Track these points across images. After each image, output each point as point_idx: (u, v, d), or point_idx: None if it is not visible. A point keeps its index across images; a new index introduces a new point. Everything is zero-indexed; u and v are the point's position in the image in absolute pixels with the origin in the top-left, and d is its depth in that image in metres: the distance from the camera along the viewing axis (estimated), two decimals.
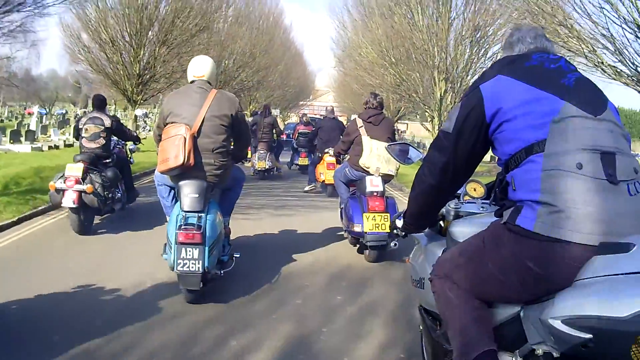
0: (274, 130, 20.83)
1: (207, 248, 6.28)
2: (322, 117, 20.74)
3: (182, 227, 6.27)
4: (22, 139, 28.40)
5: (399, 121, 49.63)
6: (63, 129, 38.73)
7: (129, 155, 12.53)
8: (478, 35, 25.01)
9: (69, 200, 9.32)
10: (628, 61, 12.38)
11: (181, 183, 6.56)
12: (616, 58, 12.53)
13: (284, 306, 6.49)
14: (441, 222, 3.98)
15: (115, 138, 11.28)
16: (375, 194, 8.97)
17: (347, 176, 9.73)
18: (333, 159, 14.79)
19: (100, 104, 10.90)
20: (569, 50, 13.50)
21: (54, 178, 9.72)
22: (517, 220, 2.74)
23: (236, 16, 38.23)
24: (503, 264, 2.83)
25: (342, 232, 10.45)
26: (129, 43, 25.92)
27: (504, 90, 2.91)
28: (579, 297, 2.41)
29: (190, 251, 6.20)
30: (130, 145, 12.52)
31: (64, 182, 9.42)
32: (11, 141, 27.10)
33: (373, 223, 8.69)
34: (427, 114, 28.00)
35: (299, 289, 7.23)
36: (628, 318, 2.12)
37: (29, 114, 67.85)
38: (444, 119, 23.17)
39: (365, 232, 8.72)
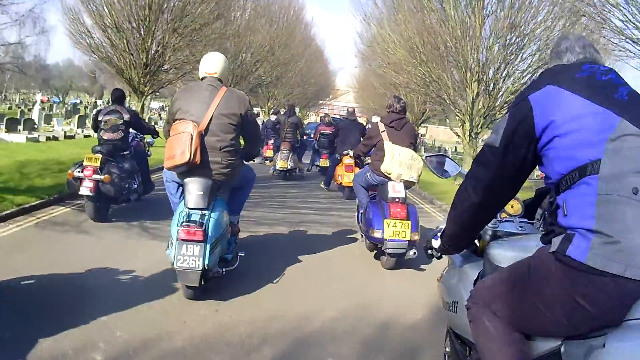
0: (298, 131, 20.72)
1: (208, 246, 6.35)
2: (341, 117, 20.74)
3: (184, 223, 6.36)
4: (21, 128, 26.47)
5: (421, 124, 48.84)
6: (70, 119, 36.98)
7: (147, 148, 12.87)
8: (515, 34, 22.63)
9: (86, 188, 9.74)
10: None
11: (186, 180, 6.69)
12: None
13: None
14: (476, 242, 3.71)
15: (133, 131, 11.72)
16: (397, 200, 8.88)
17: (368, 181, 9.60)
18: (352, 161, 15.29)
19: (119, 97, 11.43)
20: None
21: (72, 166, 10.10)
22: (567, 250, 2.54)
23: (254, 7, 36.71)
24: (549, 297, 2.64)
25: (357, 235, 10.88)
26: (136, 29, 23.88)
27: (555, 102, 2.73)
28: (633, 340, 2.30)
29: (190, 248, 6.30)
30: (148, 138, 12.81)
31: (82, 171, 9.82)
32: (6, 130, 25.35)
33: (394, 230, 8.64)
34: (457, 117, 25.77)
35: None
36: None
37: (43, 101, 67.95)
38: (476, 124, 21.50)
39: (385, 239, 8.65)
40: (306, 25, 54.84)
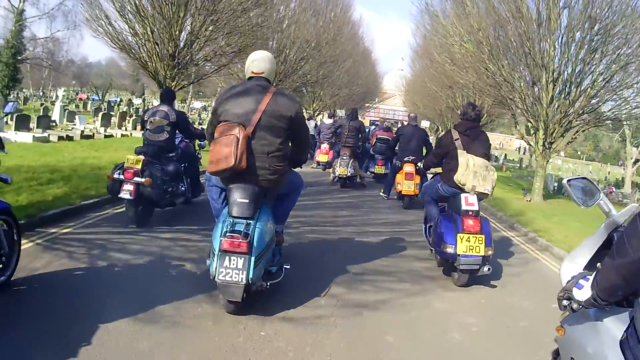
0: (360, 136, 19.53)
1: (253, 258, 6.03)
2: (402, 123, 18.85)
3: (228, 234, 6.01)
4: (34, 125, 23.81)
5: None
6: (96, 117, 34.44)
7: (197, 150, 12.72)
8: (595, 30, 19.32)
9: (126, 192, 9.51)
10: None
11: (231, 186, 6.42)
12: None
13: None
14: None
15: None
16: (470, 213, 8.43)
17: (439, 192, 9.18)
18: (412, 169, 15.28)
19: (167, 97, 11.01)
20: None
21: (113, 168, 9.88)
22: None
23: None
24: None
25: (406, 243, 10.88)
26: (161, 14, 20.47)
27: None
28: None
29: (234, 260, 5.98)
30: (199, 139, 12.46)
31: (122, 174, 9.59)
32: (16, 128, 23.10)
33: (467, 245, 8.23)
34: (529, 124, 22.58)
35: None
36: None
37: (81, 99, 68.11)
38: (552, 132, 18.20)
39: (458, 255, 8.25)
40: (354, 24, 52.81)
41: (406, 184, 15.43)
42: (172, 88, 21.58)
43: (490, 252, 8.37)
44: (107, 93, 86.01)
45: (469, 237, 8.22)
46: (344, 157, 18.54)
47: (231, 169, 6.15)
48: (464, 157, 8.69)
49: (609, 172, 77.63)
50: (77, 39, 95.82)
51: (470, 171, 8.58)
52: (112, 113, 39.37)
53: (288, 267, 7.06)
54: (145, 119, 10.65)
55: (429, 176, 12.31)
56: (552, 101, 20.63)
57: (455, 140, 8.96)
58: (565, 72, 20.57)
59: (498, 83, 21.83)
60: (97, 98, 77.78)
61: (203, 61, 23.24)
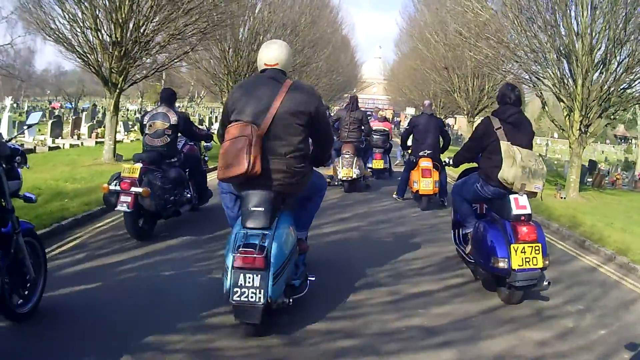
0: (362, 129, 16.68)
1: (271, 274, 5.36)
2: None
3: (241, 248, 5.37)
4: None
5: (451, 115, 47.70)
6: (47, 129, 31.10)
7: (203, 153, 12.05)
8: None
9: (123, 204, 8.88)
10: None
11: (244, 193, 5.83)
12: None
13: None
14: None
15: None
16: (522, 218, 7.16)
17: (479, 194, 7.84)
18: (429, 164, 13.83)
19: (168, 98, 10.36)
20: None
21: (110, 179, 9.29)
22: None
23: None
24: None
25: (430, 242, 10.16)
26: None
27: None
28: None
29: (249, 278, 5.32)
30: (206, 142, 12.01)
31: (119, 184, 8.95)
32: None
33: (523, 257, 6.94)
34: (562, 104, 18.73)
35: None
36: None
37: (54, 108, 68.65)
38: (585, 114, 14.48)
39: (513, 269, 6.88)
40: (332, 9, 51.29)
41: (423, 182, 13.73)
42: (120, 84, 18.07)
43: (547, 263, 7.05)
44: (79, 100, 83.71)
45: (524, 248, 6.95)
46: (347, 156, 15.80)
47: (244, 175, 5.49)
48: (509, 150, 7.42)
49: (602, 152, 74.60)
50: (39, 44, 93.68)
51: (519, 166, 7.27)
52: (58, 120, 35.87)
53: (313, 279, 6.48)
54: (144, 122, 10.03)
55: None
56: (587, 76, 17.22)
57: (497, 129, 7.63)
58: (603, 41, 17.11)
59: (518, 56, 18.89)
60: (70, 106, 75.77)
61: (158, 47, 19.24)
